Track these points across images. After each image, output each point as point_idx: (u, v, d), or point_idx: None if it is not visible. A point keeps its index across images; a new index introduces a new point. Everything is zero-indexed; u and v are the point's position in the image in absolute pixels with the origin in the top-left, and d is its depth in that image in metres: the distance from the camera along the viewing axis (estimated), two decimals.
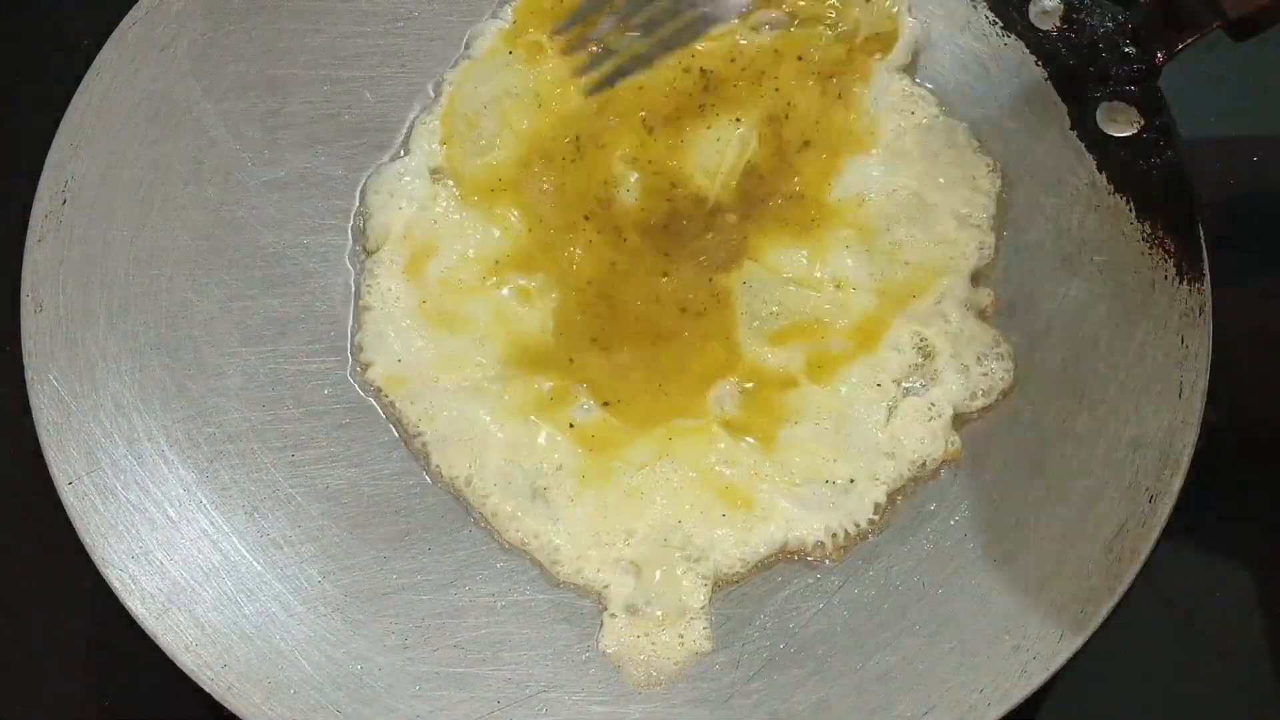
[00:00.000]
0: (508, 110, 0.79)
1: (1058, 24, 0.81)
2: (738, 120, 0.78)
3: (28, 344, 0.73)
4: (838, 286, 0.75)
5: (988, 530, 0.71)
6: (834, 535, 0.71)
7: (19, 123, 0.89)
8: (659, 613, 0.69)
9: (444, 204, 0.77)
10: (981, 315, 0.75)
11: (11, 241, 0.76)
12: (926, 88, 0.80)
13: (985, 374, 0.74)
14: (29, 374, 0.73)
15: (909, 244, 0.76)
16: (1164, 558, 0.70)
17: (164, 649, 0.68)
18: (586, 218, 0.77)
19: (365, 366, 0.75)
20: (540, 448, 0.73)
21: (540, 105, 0.79)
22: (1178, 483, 0.71)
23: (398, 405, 0.74)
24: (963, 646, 0.68)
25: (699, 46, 0.79)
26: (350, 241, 0.78)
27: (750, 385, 0.74)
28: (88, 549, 0.70)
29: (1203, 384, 0.72)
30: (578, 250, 0.76)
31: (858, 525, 0.72)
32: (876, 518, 0.72)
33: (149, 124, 0.78)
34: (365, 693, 0.68)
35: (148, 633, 0.68)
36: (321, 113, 0.80)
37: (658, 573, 0.70)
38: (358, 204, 0.78)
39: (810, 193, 0.77)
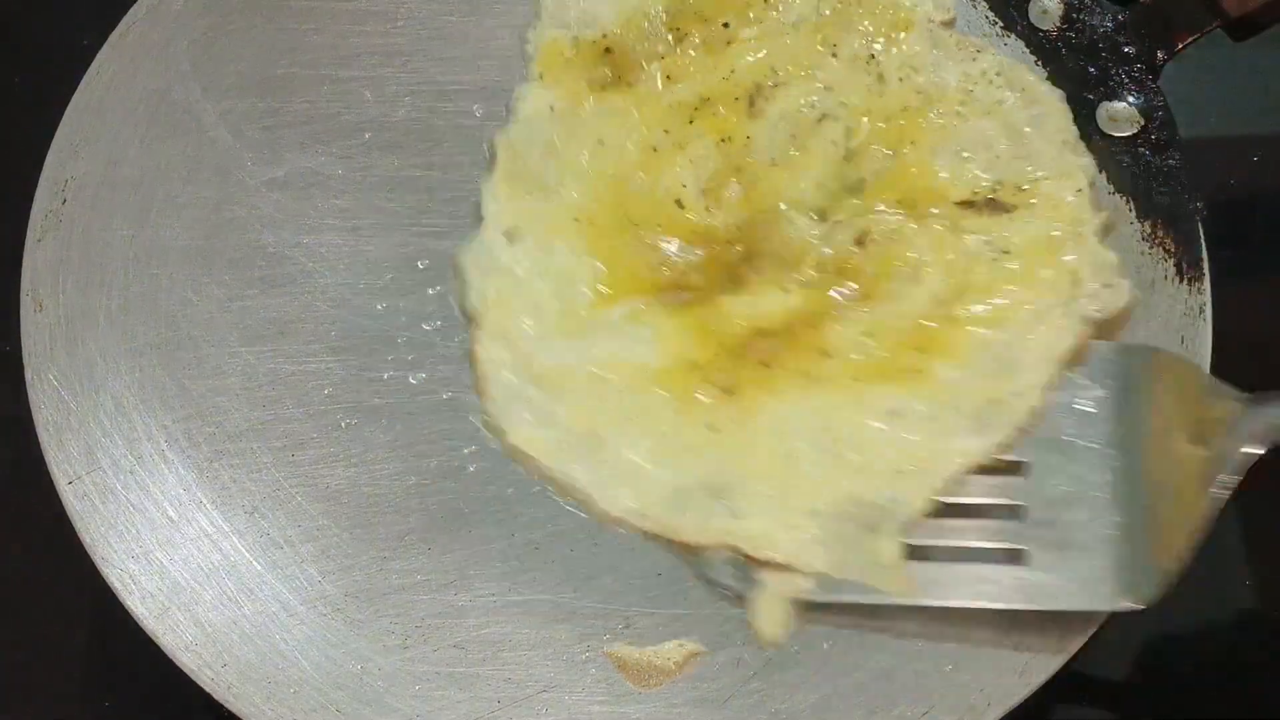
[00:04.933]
0: (567, 154, 0.78)
1: (1058, 24, 0.81)
2: (809, 107, 0.78)
3: (28, 344, 0.74)
4: (988, 243, 0.74)
5: None
6: (1001, 448, 0.70)
7: (19, 123, 0.89)
8: (856, 575, 0.68)
9: (526, 260, 0.76)
10: (1102, 236, 0.75)
11: (11, 241, 0.76)
12: (975, 37, 0.80)
13: (1113, 293, 0.73)
14: (29, 374, 0.73)
15: (1030, 185, 0.75)
16: None
17: (164, 649, 0.68)
18: (677, 246, 0.76)
19: (500, 433, 0.73)
20: (692, 460, 0.71)
21: (600, 142, 0.78)
22: None
23: (543, 463, 0.72)
24: (963, 646, 0.68)
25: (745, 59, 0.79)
26: (354, 242, 0.78)
27: (893, 340, 0.72)
28: (88, 549, 0.70)
29: None
30: (674, 273, 0.75)
31: (1020, 430, 0.70)
32: (1033, 422, 0.70)
33: (149, 124, 0.78)
34: (365, 693, 0.68)
35: (148, 633, 0.68)
36: (321, 112, 0.80)
37: (846, 542, 0.69)
38: (454, 277, 0.76)
39: (917, 171, 0.76)
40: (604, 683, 0.69)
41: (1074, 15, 0.81)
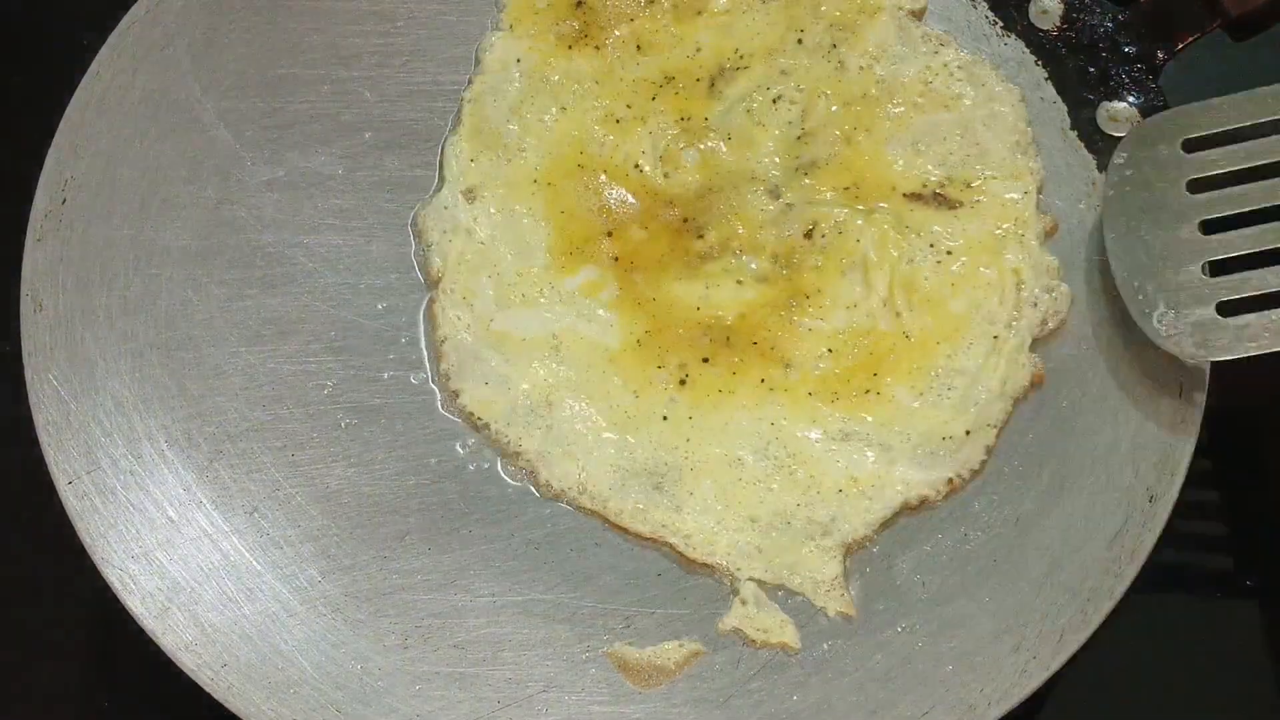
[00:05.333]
0: (530, 115, 0.79)
1: (1058, 24, 0.81)
2: (769, 94, 0.78)
3: (28, 344, 0.73)
4: (932, 245, 0.75)
5: (987, 530, 0.71)
6: (949, 481, 0.72)
7: (19, 123, 0.89)
8: (793, 588, 0.70)
9: (486, 223, 0.77)
10: (1043, 240, 0.76)
11: (11, 241, 0.76)
12: (940, 30, 0.80)
13: (1054, 298, 0.75)
14: (29, 374, 0.73)
15: (979, 183, 0.77)
16: (1164, 558, 0.70)
17: (164, 649, 0.68)
18: (630, 210, 0.77)
19: (454, 395, 0.74)
20: (641, 445, 0.73)
21: (563, 108, 0.79)
22: (1178, 483, 0.71)
23: (494, 428, 0.74)
24: (963, 646, 0.68)
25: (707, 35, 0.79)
26: (348, 240, 0.78)
27: (854, 356, 0.74)
28: (88, 549, 0.70)
29: (1203, 384, 0.72)
30: (629, 240, 0.76)
31: (972, 470, 0.72)
32: (986, 458, 0.72)
33: (149, 124, 0.78)
34: (365, 693, 0.68)
35: (148, 633, 0.68)
36: (321, 112, 0.80)
37: (785, 554, 0.71)
38: (413, 239, 0.77)
39: (869, 159, 0.77)
40: (604, 683, 0.69)
41: (1074, 15, 0.81)
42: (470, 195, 0.78)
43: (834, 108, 0.78)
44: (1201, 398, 0.72)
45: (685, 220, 0.77)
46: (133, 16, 0.80)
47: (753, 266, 0.76)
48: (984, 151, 0.77)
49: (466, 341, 0.75)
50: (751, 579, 0.70)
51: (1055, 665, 0.68)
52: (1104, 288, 0.75)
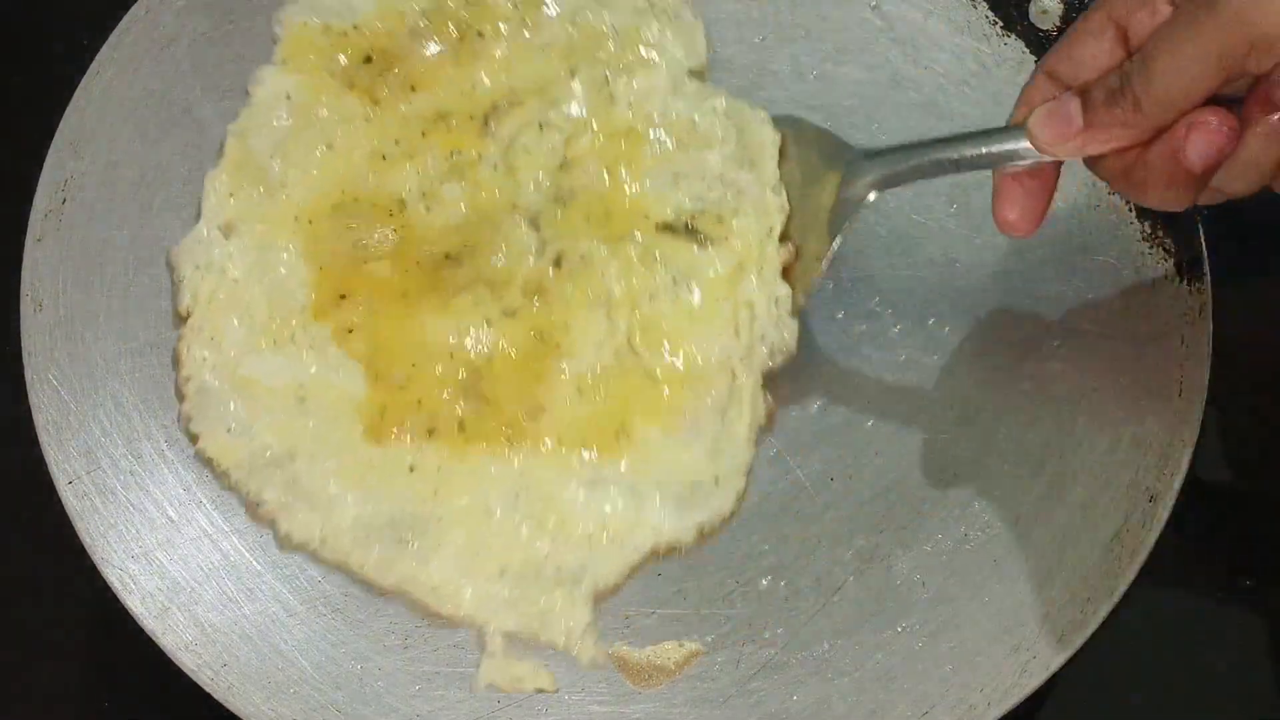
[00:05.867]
0: (294, 152, 0.76)
1: (1058, 24, 0.81)
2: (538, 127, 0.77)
3: (28, 344, 0.73)
4: (674, 280, 0.74)
5: (987, 530, 0.71)
6: (701, 528, 0.71)
7: (19, 123, 0.89)
8: (544, 640, 0.69)
9: (240, 261, 0.74)
10: (779, 273, 0.74)
11: (11, 241, 0.76)
12: (715, 88, 0.79)
13: (783, 334, 0.73)
14: (29, 374, 0.73)
15: (731, 218, 0.75)
16: (1164, 558, 0.70)
17: (164, 649, 0.68)
18: (388, 247, 0.74)
19: (194, 438, 0.72)
20: (387, 497, 0.70)
21: (329, 145, 0.76)
22: (1178, 482, 0.71)
23: (233, 475, 0.71)
24: (963, 646, 0.69)
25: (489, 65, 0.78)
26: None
27: (603, 399, 0.72)
28: (88, 549, 0.70)
29: (1203, 384, 0.72)
30: (385, 283, 0.74)
31: (723, 517, 0.71)
32: (738, 505, 0.71)
33: (149, 124, 0.78)
34: (365, 693, 0.68)
35: (148, 633, 0.68)
36: None
37: (534, 604, 0.69)
38: (167, 275, 0.75)
39: (626, 190, 0.75)
40: (604, 683, 0.69)
41: (1074, 15, 0.81)
42: (227, 231, 0.75)
43: (599, 139, 0.76)
44: (1202, 398, 0.72)
45: (445, 257, 0.74)
46: (133, 16, 0.80)
47: (504, 300, 0.73)
48: (739, 190, 0.76)
49: (211, 385, 0.72)
50: (502, 631, 0.69)
51: (1055, 665, 0.68)
52: (1103, 289, 0.75)
